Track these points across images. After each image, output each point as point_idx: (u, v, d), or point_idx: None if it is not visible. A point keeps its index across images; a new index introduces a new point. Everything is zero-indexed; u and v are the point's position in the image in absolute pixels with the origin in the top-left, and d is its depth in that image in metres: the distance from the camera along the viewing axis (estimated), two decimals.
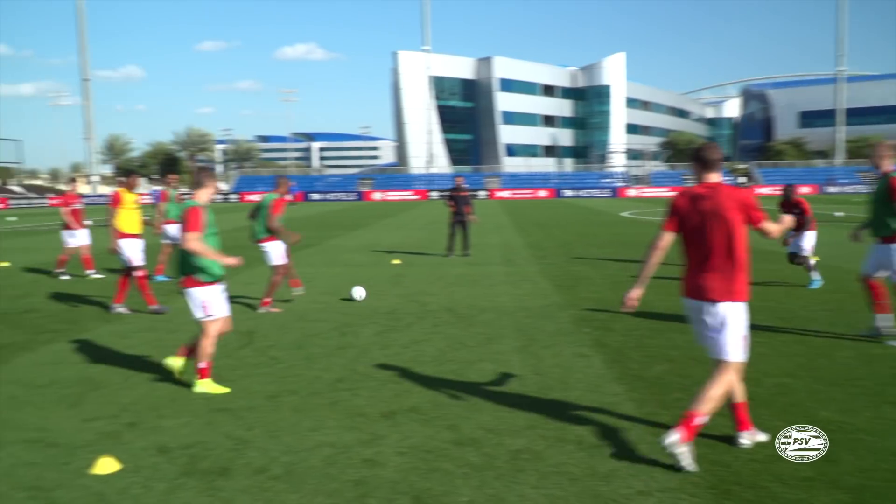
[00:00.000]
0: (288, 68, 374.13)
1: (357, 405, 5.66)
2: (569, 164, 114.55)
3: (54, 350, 7.75)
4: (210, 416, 5.43)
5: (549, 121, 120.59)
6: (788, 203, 11.46)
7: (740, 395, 4.62)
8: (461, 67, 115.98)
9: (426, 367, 6.82)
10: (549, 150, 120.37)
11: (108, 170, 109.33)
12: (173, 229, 12.82)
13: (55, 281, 13.37)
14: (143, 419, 5.38)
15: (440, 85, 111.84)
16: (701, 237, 4.43)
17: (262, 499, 4.02)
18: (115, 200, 10.19)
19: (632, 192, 72.33)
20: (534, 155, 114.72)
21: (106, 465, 4.41)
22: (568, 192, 73.89)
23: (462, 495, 4.04)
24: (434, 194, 71.72)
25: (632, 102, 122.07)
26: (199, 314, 6.13)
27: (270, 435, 5.02)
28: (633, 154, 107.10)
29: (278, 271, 9.91)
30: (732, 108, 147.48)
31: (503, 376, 6.43)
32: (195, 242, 5.93)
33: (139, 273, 9.95)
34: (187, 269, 6.10)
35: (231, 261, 6.09)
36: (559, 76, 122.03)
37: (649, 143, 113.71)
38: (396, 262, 15.71)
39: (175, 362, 6.39)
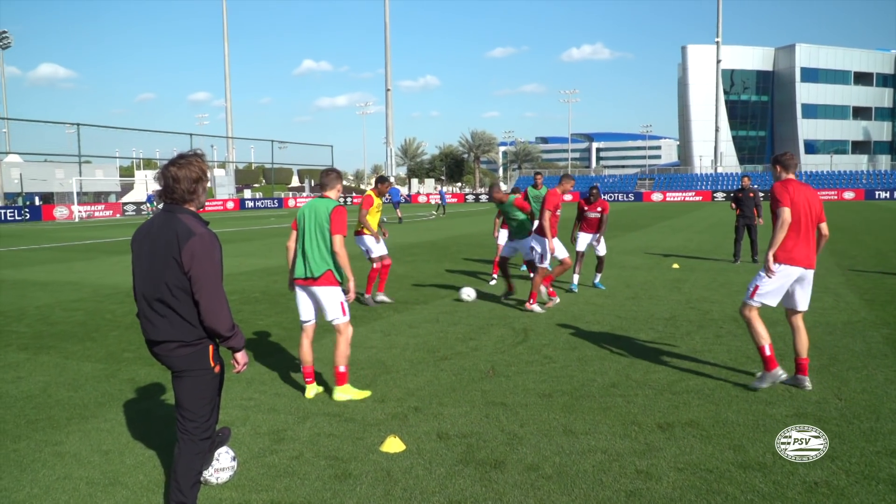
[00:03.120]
0: (572, 69, 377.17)
1: (631, 413, 5.48)
2: (885, 162, 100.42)
3: (354, 335, 8.60)
4: (487, 409, 5.62)
5: (860, 112, 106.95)
6: (588, 202, 11.88)
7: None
8: (756, 58, 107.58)
9: (706, 379, 6.39)
10: (859, 146, 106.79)
11: (402, 171, 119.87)
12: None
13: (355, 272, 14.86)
14: (426, 405, 5.74)
15: (731, 78, 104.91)
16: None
17: (533, 497, 4.05)
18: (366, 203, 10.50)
19: None
20: (840, 151, 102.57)
21: (393, 445, 4.78)
22: (882, 194, 64.76)
23: None
24: (719, 195, 67.52)
25: None
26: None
27: (543, 433, 5.05)
28: None
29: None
30: None
31: (797, 398, 5.79)
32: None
33: (386, 262, 10.79)
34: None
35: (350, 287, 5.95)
36: (877, 61, 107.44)
37: None
38: (675, 266, 15.01)
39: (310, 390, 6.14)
